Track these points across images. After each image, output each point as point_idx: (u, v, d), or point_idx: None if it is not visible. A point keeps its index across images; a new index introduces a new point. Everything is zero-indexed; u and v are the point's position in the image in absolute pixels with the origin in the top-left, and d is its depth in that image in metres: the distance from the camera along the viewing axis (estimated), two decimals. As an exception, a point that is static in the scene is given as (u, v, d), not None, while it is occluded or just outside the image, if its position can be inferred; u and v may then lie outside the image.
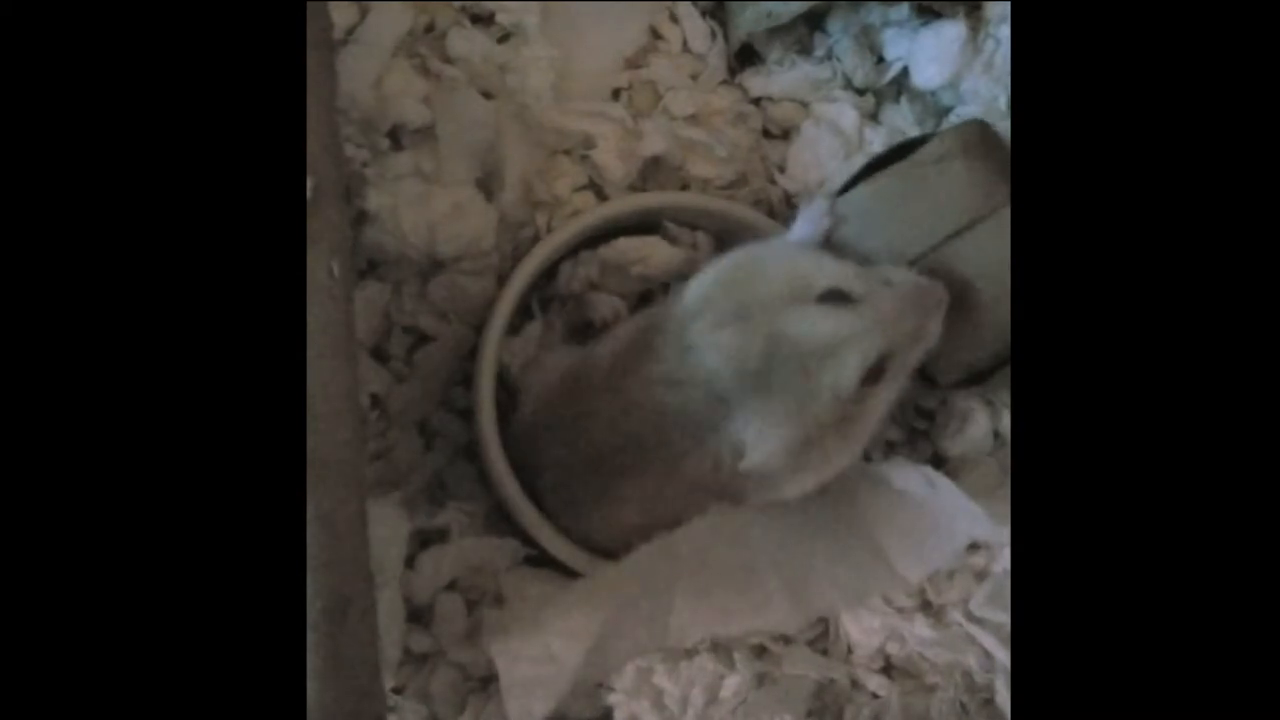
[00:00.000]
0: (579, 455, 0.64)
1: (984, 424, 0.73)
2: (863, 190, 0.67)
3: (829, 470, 0.63)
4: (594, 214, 0.73)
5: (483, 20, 0.75)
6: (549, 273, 0.74)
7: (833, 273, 0.61)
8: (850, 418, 0.60)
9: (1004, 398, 0.73)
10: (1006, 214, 0.64)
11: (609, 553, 0.65)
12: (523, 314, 0.74)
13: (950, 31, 0.77)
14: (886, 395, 0.61)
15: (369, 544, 0.53)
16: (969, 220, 0.64)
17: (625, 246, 0.74)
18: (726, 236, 0.75)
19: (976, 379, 0.70)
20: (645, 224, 0.75)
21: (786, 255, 0.64)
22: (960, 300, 0.63)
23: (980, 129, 0.68)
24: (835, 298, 0.59)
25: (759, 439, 0.59)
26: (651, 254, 0.75)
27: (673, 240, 0.75)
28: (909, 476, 0.67)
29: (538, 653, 0.60)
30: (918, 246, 0.65)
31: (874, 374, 0.59)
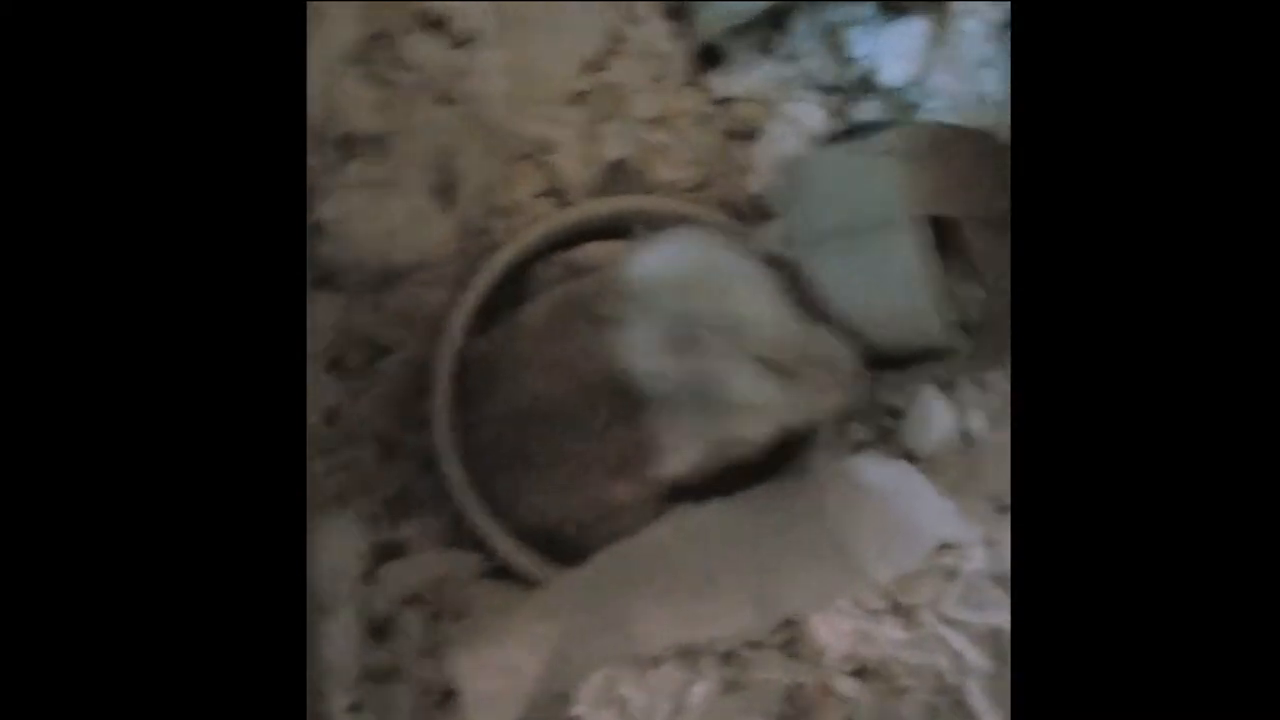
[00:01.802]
0: (512, 407, 0.65)
1: (951, 423, 0.71)
2: (815, 158, 0.69)
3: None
4: (555, 220, 0.72)
5: (437, 26, 0.75)
6: (512, 280, 0.73)
7: (771, 340, 0.63)
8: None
9: (972, 397, 0.72)
10: (917, 225, 0.63)
11: (538, 532, 0.66)
12: (488, 319, 0.72)
13: (915, 28, 0.76)
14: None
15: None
16: (881, 223, 0.64)
17: (594, 251, 0.73)
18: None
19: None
20: (610, 229, 0.74)
21: (739, 284, 0.65)
22: None
23: (932, 134, 0.67)
24: (770, 363, 0.62)
25: (674, 451, 0.61)
26: (620, 259, 0.74)
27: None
28: (879, 471, 0.67)
29: (498, 665, 0.60)
30: (846, 229, 0.65)
31: (783, 438, 0.64)
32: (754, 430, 0.62)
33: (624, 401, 0.62)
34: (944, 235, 0.64)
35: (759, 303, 0.64)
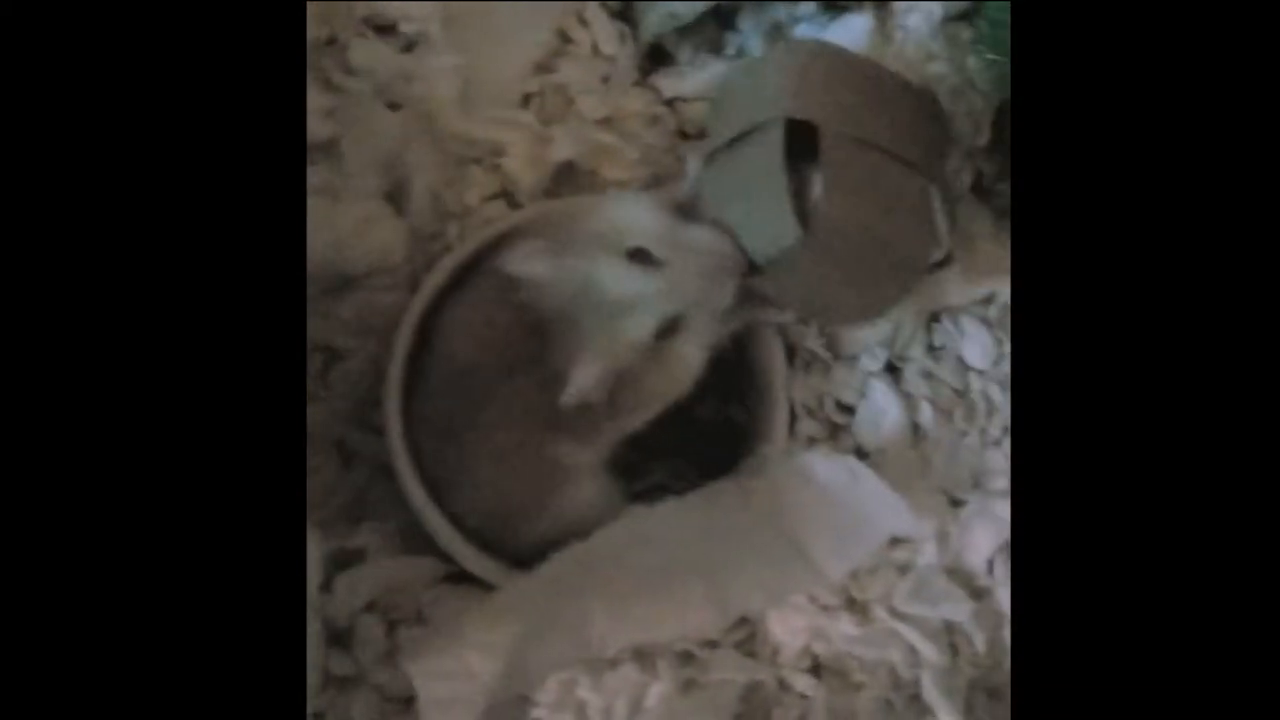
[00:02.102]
0: (444, 374, 0.66)
1: (901, 417, 0.72)
2: (727, 77, 0.75)
3: (647, 412, 0.67)
4: (506, 223, 0.72)
5: (385, 30, 0.74)
6: (464, 284, 0.73)
7: (643, 232, 0.64)
8: (660, 363, 0.64)
9: (922, 390, 0.73)
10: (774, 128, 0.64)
11: (491, 523, 0.66)
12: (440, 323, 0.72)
13: (858, 24, 0.77)
14: (691, 347, 0.65)
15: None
16: (753, 129, 0.65)
17: None
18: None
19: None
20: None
21: (616, 203, 0.67)
22: None
23: (808, 48, 0.68)
24: (641, 257, 0.63)
25: (575, 373, 0.62)
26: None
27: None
28: (830, 467, 0.67)
29: (455, 670, 0.59)
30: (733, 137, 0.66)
31: (668, 331, 0.63)
32: (636, 326, 0.62)
33: (531, 338, 0.63)
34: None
35: (635, 209, 0.66)
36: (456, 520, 0.66)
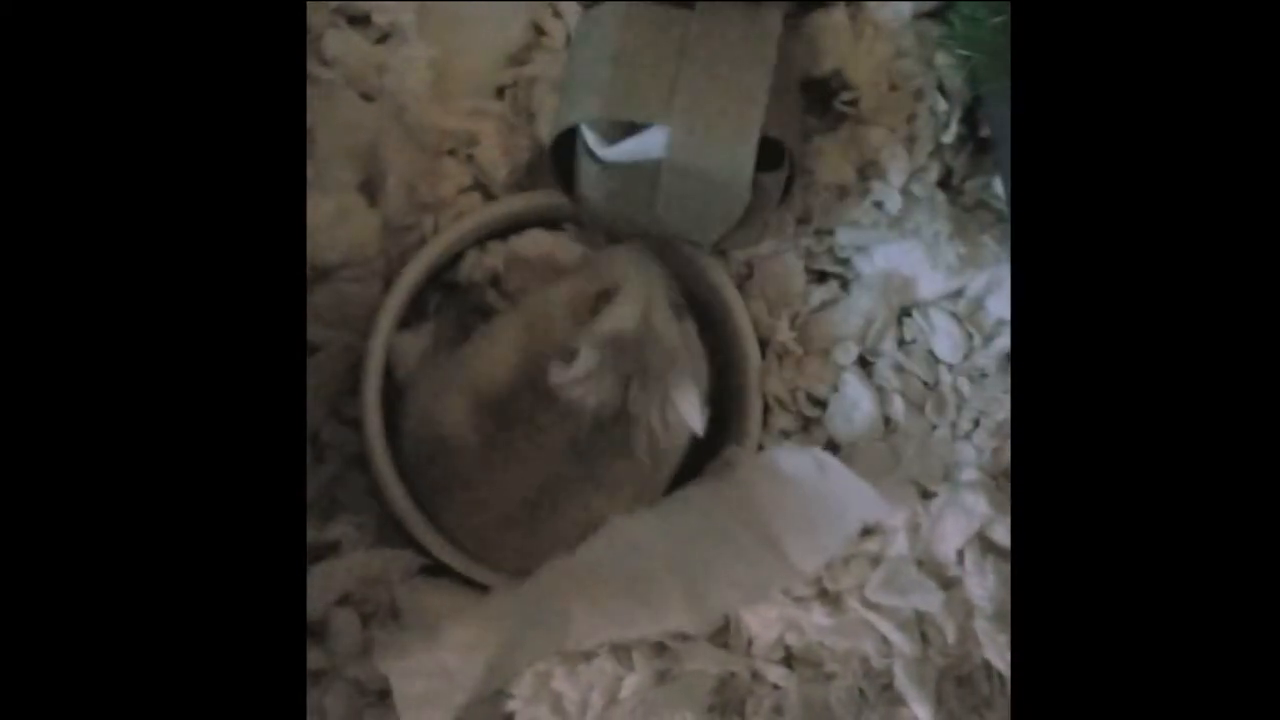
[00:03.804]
0: (488, 513, 0.66)
1: (873, 409, 0.73)
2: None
3: None
4: (480, 215, 0.72)
5: (359, 21, 0.74)
6: (440, 276, 0.73)
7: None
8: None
9: (893, 383, 0.73)
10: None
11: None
12: (416, 314, 0.72)
13: (834, 18, 0.77)
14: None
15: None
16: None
17: (537, 239, 0.74)
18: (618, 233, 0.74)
19: None
20: (536, 223, 0.74)
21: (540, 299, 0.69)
22: None
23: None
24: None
25: (688, 409, 0.65)
26: (557, 248, 0.74)
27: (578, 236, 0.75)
28: (798, 461, 0.68)
29: (432, 668, 0.60)
30: None
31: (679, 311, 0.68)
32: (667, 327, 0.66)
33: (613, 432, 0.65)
34: None
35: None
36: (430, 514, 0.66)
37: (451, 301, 0.74)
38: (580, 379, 0.63)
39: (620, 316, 0.65)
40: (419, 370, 0.70)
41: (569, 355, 0.64)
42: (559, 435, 0.64)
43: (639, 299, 0.65)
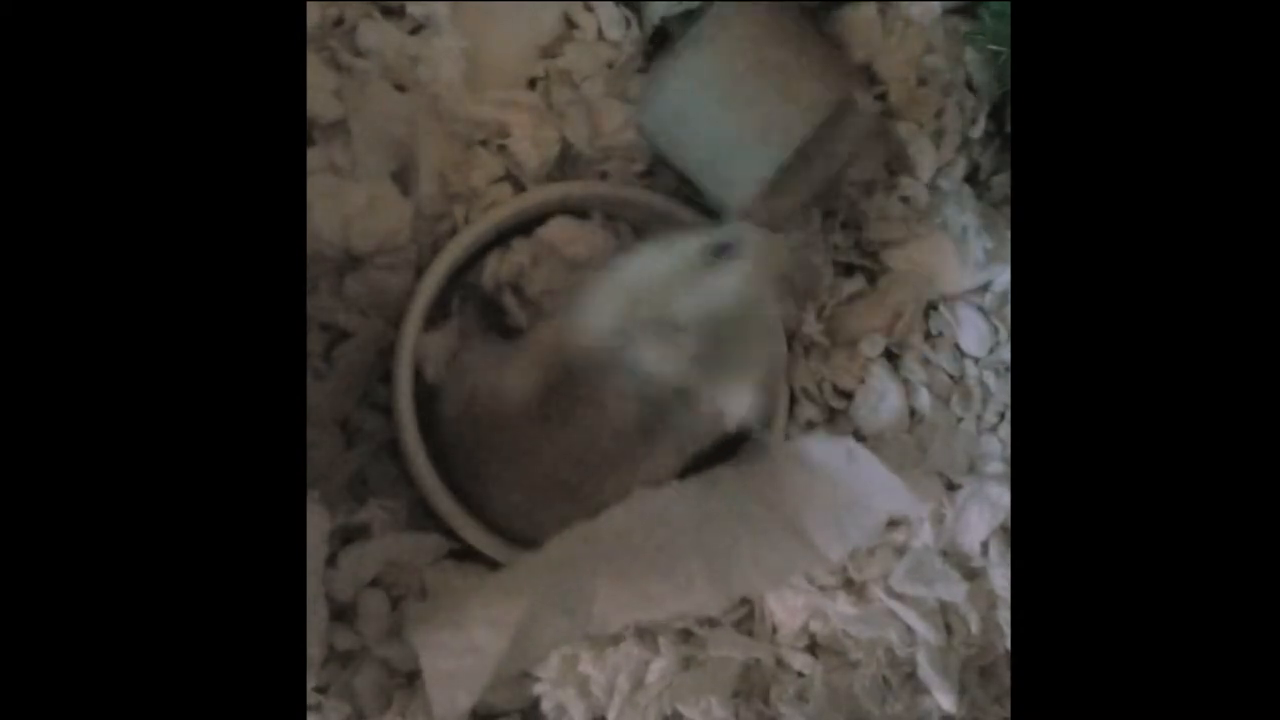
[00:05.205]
0: (534, 485, 0.66)
1: (898, 402, 0.73)
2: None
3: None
4: (511, 205, 0.73)
5: (393, 12, 0.75)
6: (471, 264, 0.74)
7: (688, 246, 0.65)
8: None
9: (919, 376, 0.74)
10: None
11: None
12: (442, 308, 0.73)
13: (864, 12, 0.77)
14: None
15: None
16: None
17: (565, 226, 0.75)
18: (645, 225, 0.75)
19: None
20: (568, 214, 0.75)
21: (648, 258, 0.67)
22: None
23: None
24: (721, 251, 0.64)
25: (735, 400, 0.64)
26: (585, 237, 0.75)
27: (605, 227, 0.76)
28: (829, 450, 0.68)
29: (461, 644, 0.60)
30: None
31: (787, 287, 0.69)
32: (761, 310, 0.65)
33: (655, 424, 0.65)
34: None
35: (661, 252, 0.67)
36: (463, 498, 0.67)
37: (473, 300, 0.74)
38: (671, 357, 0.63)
39: (721, 291, 0.63)
40: (466, 351, 0.70)
41: (667, 329, 0.63)
42: (626, 408, 0.64)
43: (744, 274, 0.64)
